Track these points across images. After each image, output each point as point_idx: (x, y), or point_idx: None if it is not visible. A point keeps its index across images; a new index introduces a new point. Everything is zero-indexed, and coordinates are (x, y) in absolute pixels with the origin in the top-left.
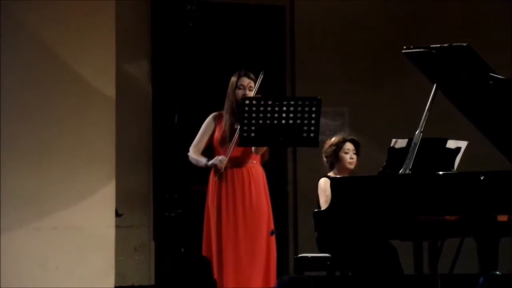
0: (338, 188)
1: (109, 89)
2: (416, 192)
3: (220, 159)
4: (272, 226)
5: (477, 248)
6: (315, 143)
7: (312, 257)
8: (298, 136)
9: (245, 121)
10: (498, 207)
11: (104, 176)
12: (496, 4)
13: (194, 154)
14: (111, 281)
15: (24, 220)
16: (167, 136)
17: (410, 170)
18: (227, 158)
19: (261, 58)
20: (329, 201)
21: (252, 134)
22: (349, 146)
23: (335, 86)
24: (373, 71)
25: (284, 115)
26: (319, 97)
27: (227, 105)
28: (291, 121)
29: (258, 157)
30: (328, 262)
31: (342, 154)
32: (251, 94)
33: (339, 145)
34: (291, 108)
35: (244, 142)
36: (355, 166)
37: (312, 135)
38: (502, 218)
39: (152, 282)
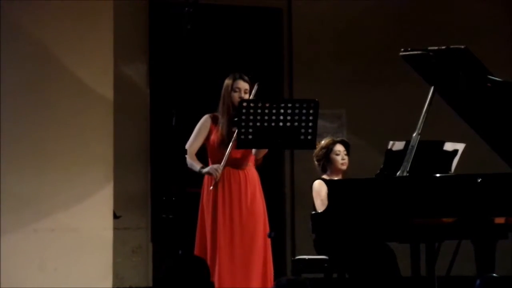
0: (335, 191)
1: (107, 91)
2: (413, 194)
3: (215, 168)
4: (267, 229)
5: (474, 250)
6: (313, 145)
7: (309, 259)
8: (295, 138)
9: (243, 124)
10: (496, 210)
11: (102, 178)
12: (495, 5)
13: (189, 156)
14: (109, 283)
15: (22, 222)
16: (165, 138)
17: (407, 172)
18: (223, 166)
19: (258, 60)
20: (325, 203)
21: (250, 137)
22: (339, 147)
23: (333, 88)
24: (370, 73)
25: (281, 117)
26: (316, 99)
27: (222, 108)
28: (288, 124)
29: (253, 159)
30: (326, 264)
31: (333, 156)
32: (247, 97)
33: (329, 148)
34: (289, 111)
35: (242, 144)
36: (347, 167)
37: (309, 137)
38: (499, 220)
39: (150, 284)
